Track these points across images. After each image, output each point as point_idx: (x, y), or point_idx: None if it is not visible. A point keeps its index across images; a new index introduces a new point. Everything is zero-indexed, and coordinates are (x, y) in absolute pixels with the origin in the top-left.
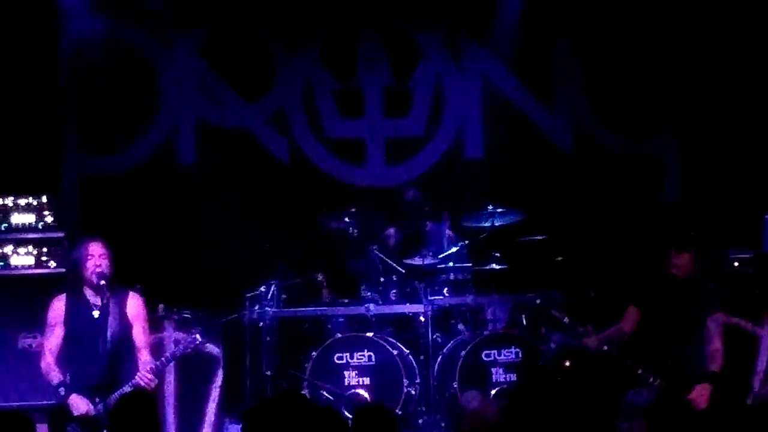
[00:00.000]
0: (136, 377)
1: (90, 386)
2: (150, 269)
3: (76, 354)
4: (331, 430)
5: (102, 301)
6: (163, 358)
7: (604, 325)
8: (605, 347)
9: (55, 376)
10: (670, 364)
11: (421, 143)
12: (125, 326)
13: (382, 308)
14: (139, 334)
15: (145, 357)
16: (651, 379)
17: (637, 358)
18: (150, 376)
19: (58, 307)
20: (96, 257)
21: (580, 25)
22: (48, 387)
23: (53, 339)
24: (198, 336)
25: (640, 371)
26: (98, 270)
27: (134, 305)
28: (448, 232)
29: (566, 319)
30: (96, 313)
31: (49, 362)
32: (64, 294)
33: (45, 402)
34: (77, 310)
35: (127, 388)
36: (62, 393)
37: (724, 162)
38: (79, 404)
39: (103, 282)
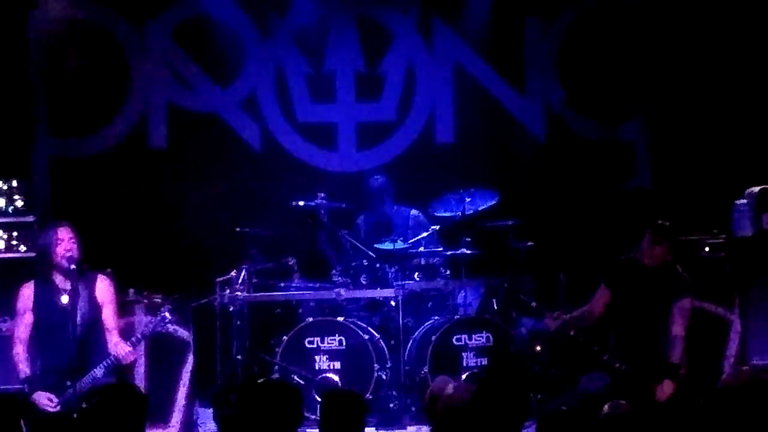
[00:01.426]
0: (114, 349)
1: (60, 370)
2: (121, 253)
3: (47, 339)
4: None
5: (71, 285)
6: (133, 338)
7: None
8: (571, 332)
9: (22, 369)
10: (635, 349)
11: (392, 128)
12: (95, 310)
13: (353, 293)
14: (109, 316)
15: (115, 339)
16: (617, 365)
17: (604, 343)
18: (128, 348)
19: (26, 294)
20: (65, 241)
21: (551, 7)
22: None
23: (22, 326)
24: (167, 314)
25: (605, 357)
26: (68, 254)
27: (103, 288)
28: (419, 216)
29: (534, 303)
30: (65, 299)
31: (18, 352)
32: (32, 281)
33: (16, 386)
34: (46, 296)
35: (98, 371)
36: (26, 389)
37: (695, 147)
38: (43, 401)
39: (73, 266)
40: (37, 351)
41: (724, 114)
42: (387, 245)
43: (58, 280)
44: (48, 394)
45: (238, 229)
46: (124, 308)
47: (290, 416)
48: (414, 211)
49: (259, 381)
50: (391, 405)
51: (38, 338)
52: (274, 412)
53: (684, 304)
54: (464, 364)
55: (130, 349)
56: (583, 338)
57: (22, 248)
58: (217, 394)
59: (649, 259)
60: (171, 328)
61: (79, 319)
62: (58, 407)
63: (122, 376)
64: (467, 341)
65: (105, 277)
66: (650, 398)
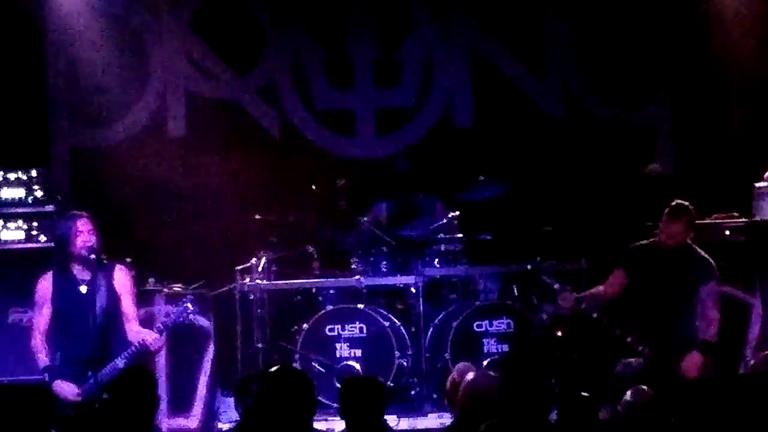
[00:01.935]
0: (139, 337)
1: (81, 361)
2: (140, 242)
3: (66, 330)
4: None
5: (89, 276)
6: (155, 329)
7: None
8: (584, 306)
9: (41, 359)
10: (659, 332)
11: (411, 114)
12: (114, 299)
13: (373, 280)
14: (128, 305)
15: (136, 328)
16: (640, 348)
17: (627, 326)
18: (156, 335)
19: (44, 285)
20: (85, 233)
21: None
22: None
23: (41, 318)
24: (189, 305)
25: (629, 339)
26: (88, 245)
27: (121, 277)
28: (438, 202)
29: (556, 285)
30: (84, 289)
31: (36, 343)
32: (50, 272)
33: (36, 377)
34: (64, 286)
35: (119, 361)
36: (46, 378)
37: (716, 131)
38: (65, 391)
39: (93, 256)
40: (57, 342)
41: (744, 97)
42: (407, 232)
43: (77, 270)
44: (70, 384)
45: (257, 217)
46: (143, 297)
47: (304, 404)
48: (439, 204)
49: (271, 369)
50: (412, 392)
51: (58, 329)
52: (286, 400)
53: (712, 287)
54: (485, 351)
55: (158, 336)
56: (607, 322)
57: (42, 238)
58: (238, 384)
59: (667, 237)
60: (192, 317)
61: (98, 309)
62: (80, 397)
63: (144, 365)
64: (488, 327)
65: (123, 266)
66: (674, 381)
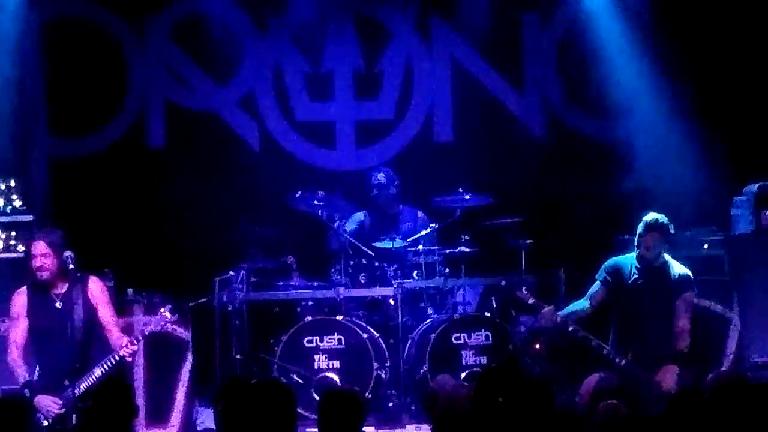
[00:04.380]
0: (120, 351)
1: (60, 372)
2: (119, 253)
3: (44, 344)
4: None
5: (64, 289)
6: (131, 338)
7: None
8: (570, 327)
9: (21, 374)
10: (635, 344)
11: (391, 126)
12: (90, 311)
13: (352, 291)
14: (105, 315)
15: (117, 334)
16: (617, 360)
17: (604, 338)
18: (133, 348)
19: (19, 300)
20: (38, 257)
21: (549, 4)
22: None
23: (18, 331)
24: (168, 314)
25: (605, 352)
26: (38, 272)
27: (96, 288)
28: (417, 215)
29: (531, 300)
30: (59, 304)
31: (14, 357)
32: (25, 287)
33: (14, 386)
34: (39, 302)
35: (97, 371)
36: (27, 394)
37: (694, 144)
38: (47, 405)
39: (45, 278)
40: (35, 355)
41: (722, 110)
42: (386, 243)
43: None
44: (51, 397)
45: (241, 228)
46: (123, 308)
47: (284, 416)
48: (420, 213)
49: (253, 381)
50: (391, 404)
51: (35, 342)
52: (268, 412)
53: (687, 297)
54: (464, 363)
55: (133, 348)
56: (582, 334)
57: (20, 248)
58: (216, 394)
59: (645, 248)
60: (170, 327)
61: (75, 322)
62: (63, 409)
63: (119, 375)
64: (467, 340)
65: (96, 278)
66: (651, 393)
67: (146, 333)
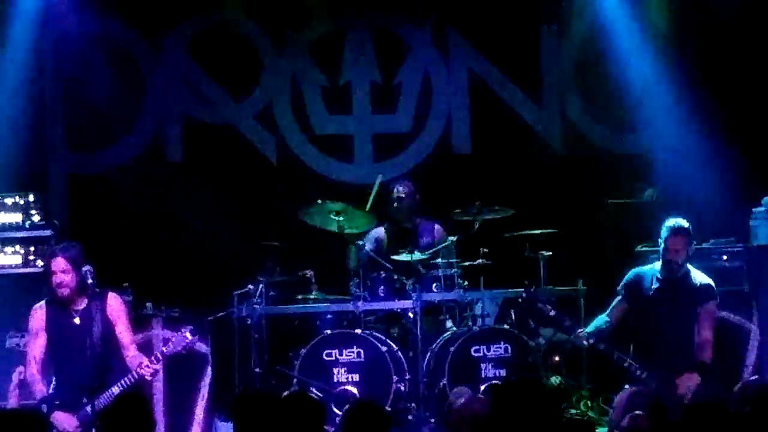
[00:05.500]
0: (135, 366)
1: (78, 389)
2: (138, 267)
3: (62, 360)
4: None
5: (83, 305)
6: (152, 357)
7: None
8: (599, 344)
9: (39, 389)
10: (659, 357)
11: (408, 139)
12: (108, 328)
13: (371, 304)
14: (123, 332)
15: (133, 353)
16: (638, 372)
17: (626, 350)
18: (149, 361)
19: (38, 315)
20: (58, 273)
21: (567, 16)
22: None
23: (36, 347)
24: (188, 334)
25: (626, 365)
26: (59, 288)
27: (114, 305)
28: (435, 227)
29: (552, 312)
30: (77, 320)
31: (33, 372)
32: (44, 301)
33: (32, 401)
34: (58, 317)
35: (115, 389)
36: (44, 410)
37: (713, 155)
38: (63, 422)
39: (65, 295)
40: (53, 370)
41: (741, 122)
42: (404, 256)
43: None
44: (68, 414)
45: (262, 243)
46: (141, 322)
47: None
48: (437, 226)
49: (284, 395)
50: (410, 417)
51: (54, 358)
52: (297, 426)
53: (709, 307)
54: (483, 376)
55: (154, 361)
56: (604, 347)
57: (39, 263)
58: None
59: (674, 250)
60: (191, 347)
61: (94, 339)
62: (79, 429)
63: (137, 388)
64: (486, 352)
65: (114, 294)
66: (672, 403)
67: (168, 354)
